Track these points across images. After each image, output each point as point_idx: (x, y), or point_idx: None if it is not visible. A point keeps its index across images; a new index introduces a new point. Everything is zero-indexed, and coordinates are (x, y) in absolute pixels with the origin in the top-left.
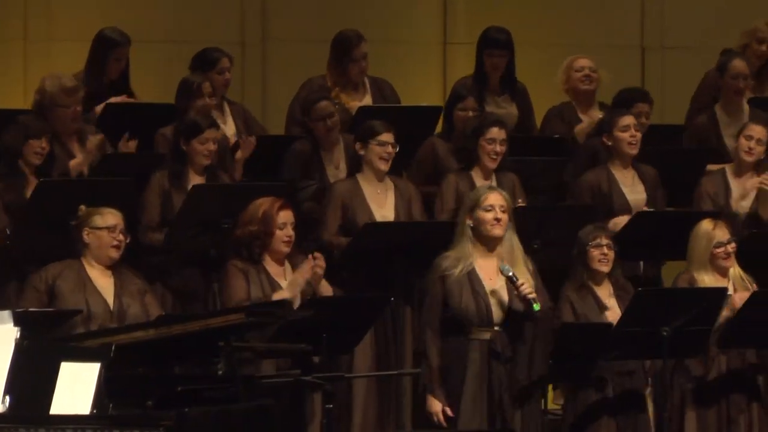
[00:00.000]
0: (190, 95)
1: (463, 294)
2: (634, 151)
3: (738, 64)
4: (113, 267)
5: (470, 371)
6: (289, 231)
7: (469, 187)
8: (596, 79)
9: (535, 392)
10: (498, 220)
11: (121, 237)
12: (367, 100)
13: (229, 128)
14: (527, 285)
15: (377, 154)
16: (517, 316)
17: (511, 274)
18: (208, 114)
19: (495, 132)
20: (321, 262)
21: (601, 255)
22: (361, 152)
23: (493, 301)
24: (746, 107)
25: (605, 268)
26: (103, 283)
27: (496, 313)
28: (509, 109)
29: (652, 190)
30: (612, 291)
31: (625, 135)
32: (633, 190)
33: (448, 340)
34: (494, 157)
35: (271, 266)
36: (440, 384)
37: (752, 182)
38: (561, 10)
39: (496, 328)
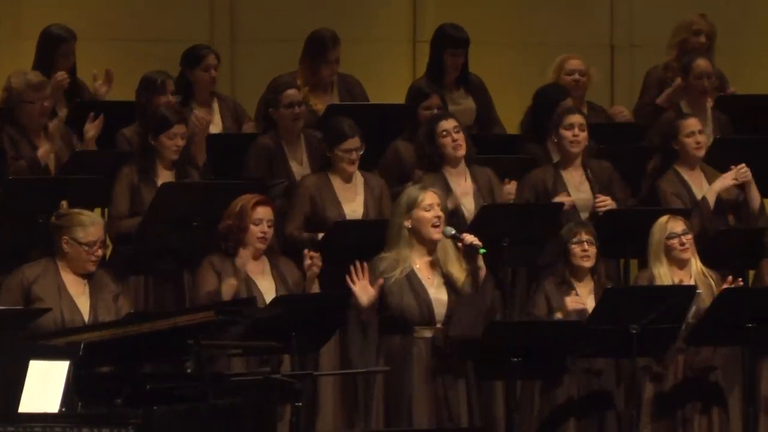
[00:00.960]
0: (153, 91)
1: (404, 295)
2: (576, 150)
3: (702, 63)
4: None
5: (416, 370)
6: (264, 228)
7: (443, 184)
8: (586, 82)
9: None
10: (438, 218)
11: (99, 252)
12: (335, 100)
13: (216, 125)
14: (467, 235)
15: (342, 159)
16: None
17: (453, 232)
18: (178, 110)
19: (444, 124)
20: (318, 261)
21: (582, 251)
22: (328, 154)
23: (433, 300)
24: (709, 108)
25: (588, 263)
26: (78, 290)
27: (438, 311)
28: (465, 104)
29: (602, 188)
30: (593, 289)
31: (568, 133)
32: (578, 189)
33: (392, 340)
34: (456, 145)
35: (248, 263)
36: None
37: (728, 180)
38: (530, 8)
39: (438, 325)
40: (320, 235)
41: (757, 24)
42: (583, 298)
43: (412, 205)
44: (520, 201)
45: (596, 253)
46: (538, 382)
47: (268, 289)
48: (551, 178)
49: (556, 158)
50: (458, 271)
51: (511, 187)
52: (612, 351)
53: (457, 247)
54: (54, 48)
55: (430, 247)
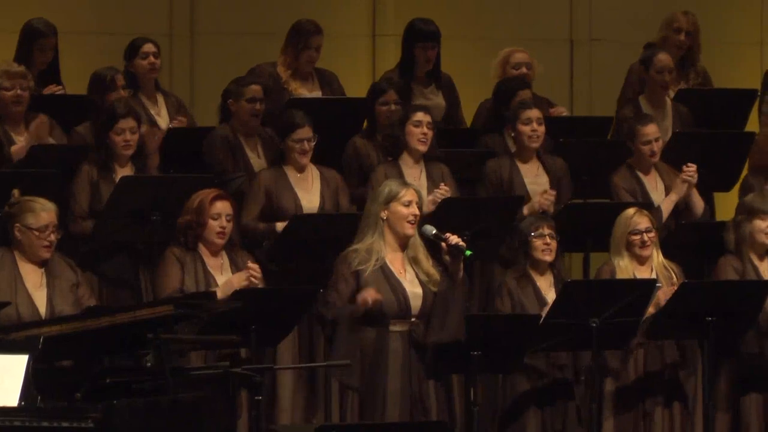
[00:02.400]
0: (103, 88)
1: (379, 288)
2: (535, 145)
3: (662, 58)
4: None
5: (392, 363)
6: (223, 222)
7: (397, 175)
8: (531, 75)
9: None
10: (415, 216)
11: (52, 237)
12: (317, 93)
13: (163, 119)
14: (450, 235)
15: (294, 150)
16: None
17: (435, 231)
18: (126, 105)
19: (420, 116)
20: (257, 273)
21: (544, 245)
22: (281, 147)
23: (409, 293)
24: (669, 101)
25: (549, 257)
26: (35, 281)
27: (414, 305)
28: (436, 101)
29: (556, 182)
30: (553, 282)
31: (527, 128)
32: (534, 181)
33: (366, 333)
34: (423, 139)
35: (207, 257)
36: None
37: (681, 184)
38: (489, 3)
39: (413, 319)
40: (278, 225)
41: (721, 18)
42: (543, 292)
43: (392, 198)
44: (480, 193)
45: (557, 247)
46: (500, 375)
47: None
48: (507, 169)
49: (513, 149)
50: (429, 269)
51: (443, 191)
52: (572, 344)
53: (438, 247)
54: (33, 42)
55: (403, 242)
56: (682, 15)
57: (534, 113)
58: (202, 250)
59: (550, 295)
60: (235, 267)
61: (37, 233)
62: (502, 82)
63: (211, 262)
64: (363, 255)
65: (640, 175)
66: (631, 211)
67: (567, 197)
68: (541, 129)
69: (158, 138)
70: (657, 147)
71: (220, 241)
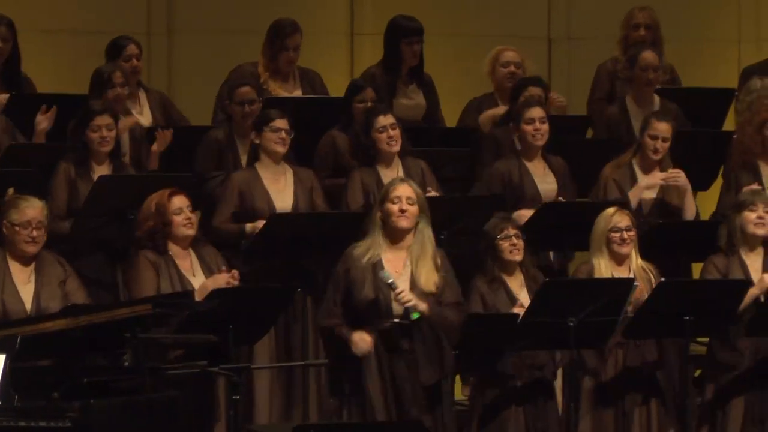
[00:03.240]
0: (103, 85)
1: (365, 285)
2: (540, 143)
3: (647, 56)
4: (35, 256)
5: (371, 362)
6: (187, 213)
7: (375, 180)
8: (521, 74)
9: (446, 388)
10: (403, 211)
11: (35, 234)
12: (298, 93)
13: (146, 117)
14: (406, 293)
15: (271, 140)
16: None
17: (390, 281)
18: (103, 101)
19: (381, 120)
20: (234, 281)
21: (511, 246)
22: (257, 141)
23: (393, 294)
24: (656, 98)
25: (518, 257)
26: (23, 278)
27: (396, 306)
28: (417, 100)
29: (562, 181)
30: (523, 281)
31: (530, 128)
32: (544, 180)
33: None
34: (390, 142)
35: (179, 258)
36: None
37: (657, 178)
38: (468, 0)
39: (395, 320)
40: (247, 226)
41: (699, 15)
42: (515, 292)
43: (384, 198)
44: (486, 193)
45: (524, 246)
46: (479, 375)
47: (198, 283)
48: (516, 170)
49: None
50: (426, 278)
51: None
52: (550, 343)
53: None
54: None
55: (400, 236)
56: (639, 11)
57: (536, 112)
58: (174, 251)
59: (522, 295)
60: (205, 265)
61: (18, 228)
62: (521, 80)
63: (183, 264)
64: (360, 252)
65: (639, 174)
66: (611, 209)
67: (573, 195)
68: (545, 127)
69: (167, 139)
70: (660, 146)
71: (190, 232)
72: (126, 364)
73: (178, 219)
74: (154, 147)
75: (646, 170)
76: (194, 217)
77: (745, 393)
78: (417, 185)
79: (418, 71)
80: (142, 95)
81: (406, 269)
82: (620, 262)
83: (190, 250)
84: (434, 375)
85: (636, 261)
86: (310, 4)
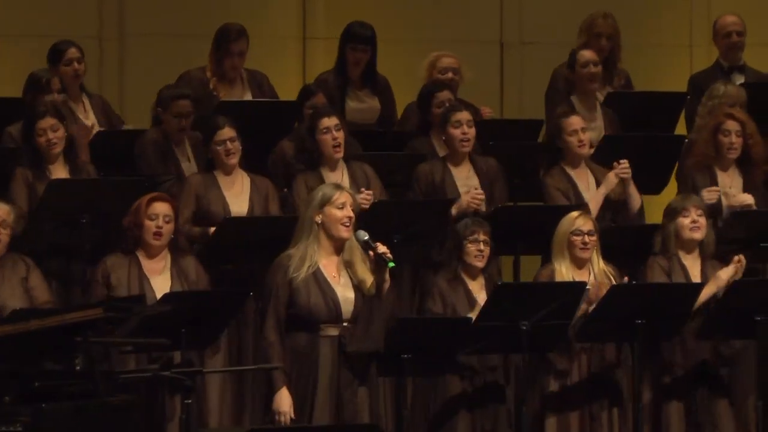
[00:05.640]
0: (38, 89)
1: (311, 293)
2: (467, 148)
3: (585, 53)
4: None
5: (321, 367)
6: (160, 223)
7: (319, 183)
8: (458, 80)
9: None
10: (349, 218)
11: None
12: (247, 95)
13: (90, 121)
14: (384, 246)
15: (219, 153)
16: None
17: (366, 238)
18: (45, 104)
19: (326, 121)
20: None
21: (477, 251)
22: (210, 155)
23: (340, 298)
24: (598, 104)
25: (480, 264)
26: None
27: (346, 310)
28: (370, 103)
29: (488, 183)
30: (484, 284)
31: (457, 131)
32: (466, 183)
33: (297, 338)
34: (335, 145)
35: (145, 260)
36: (287, 384)
37: (612, 179)
38: (420, 5)
39: (344, 324)
40: (212, 229)
41: (651, 20)
42: (474, 294)
43: (326, 201)
44: (411, 197)
45: (489, 254)
46: (430, 378)
47: (162, 287)
48: (440, 173)
49: (441, 152)
50: (364, 274)
51: (366, 195)
52: (502, 347)
53: (366, 254)
54: None
55: (338, 245)
56: (602, 19)
57: (464, 116)
58: (141, 253)
59: (481, 297)
60: (177, 269)
61: None
62: (424, 86)
63: (149, 265)
64: (297, 261)
65: (572, 174)
66: (575, 213)
67: (503, 198)
68: (472, 132)
69: (88, 134)
70: (585, 137)
71: (156, 242)
72: (78, 368)
73: (149, 224)
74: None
75: (576, 167)
76: (166, 229)
77: (685, 394)
78: (354, 188)
79: (370, 75)
80: (86, 100)
81: (343, 274)
82: (581, 266)
83: (167, 254)
84: (368, 346)
85: (598, 264)
86: (262, 8)
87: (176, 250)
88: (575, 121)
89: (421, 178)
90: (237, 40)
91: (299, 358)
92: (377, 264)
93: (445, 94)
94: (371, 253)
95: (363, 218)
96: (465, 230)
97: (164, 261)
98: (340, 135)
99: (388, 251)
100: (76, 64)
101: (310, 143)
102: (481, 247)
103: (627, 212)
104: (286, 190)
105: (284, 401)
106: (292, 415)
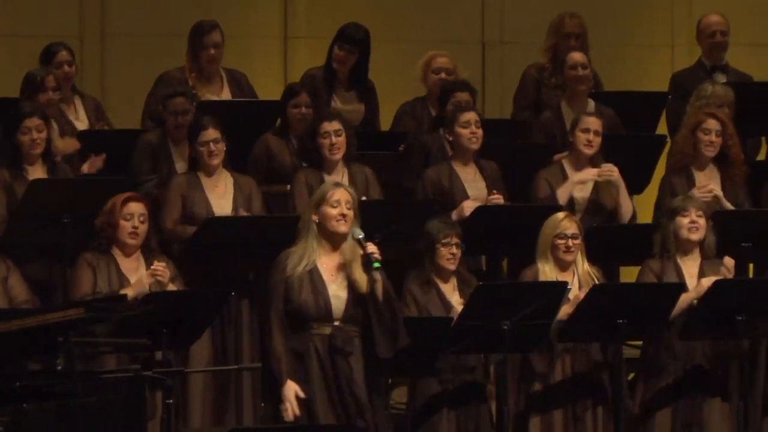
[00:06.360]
0: (34, 89)
1: (303, 290)
2: (475, 147)
3: (574, 55)
4: None
5: (313, 367)
6: (135, 223)
7: (318, 182)
8: (453, 80)
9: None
10: (343, 215)
11: None
12: (226, 93)
13: (82, 122)
14: (374, 247)
15: (202, 154)
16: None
17: (361, 236)
18: (32, 104)
19: (326, 126)
20: (160, 270)
21: (450, 254)
22: (194, 154)
23: (332, 297)
24: (591, 102)
25: (452, 267)
26: None
27: (337, 309)
28: (356, 106)
29: (493, 186)
30: (456, 285)
31: (466, 131)
32: (474, 186)
33: (290, 336)
34: (334, 150)
35: (121, 259)
36: (291, 374)
37: (589, 174)
38: (401, 5)
39: (336, 323)
40: None
41: (633, 19)
42: (447, 296)
43: (321, 201)
44: (421, 198)
45: (460, 257)
46: (412, 378)
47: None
48: (447, 177)
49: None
50: (360, 278)
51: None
52: (483, 347)
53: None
54: None
55: (336, 242)
56: (570, 19)
57: (472, 116)
58: (116, 252)
59: (455, 299)
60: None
61: None
62: (446, 81)
63: (125, 264)
64: (295, 258)
65: (570, 172)
66: (560, 215)
67: (504, 200)
68: (480, 132)
69: (98, 165)
70: (593, 139)
71: (132, 242)
72: (59, 368)
73: (124, 224)
74: (85, 168)
75: (578, 168)
76: (142, 229)
77: (674, 398)
78: (353, 189)
79: (359, 78)
80: (78, 101)
81: (341, 273)
82: (565, 268)
83: (140, 255)
84: (390, 348)
85: (582, 267)
86: (243, 7)
87: (148, 250)
88: (592, 121)
89: (427, 183)
90: (209, 32)
91: (293, 356)
92: (366, 264)
93: (464, 96)
94: (361, 252)
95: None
96: (438, 233)
97: (137, 261)
98: (339, 140)
99: (376, 251)
100: (66, 67)
101: (310, 144)
102: (454, 250)
103: (618, 221)
104: (289, 187)
105: (290, 391)
106: (297, 410)
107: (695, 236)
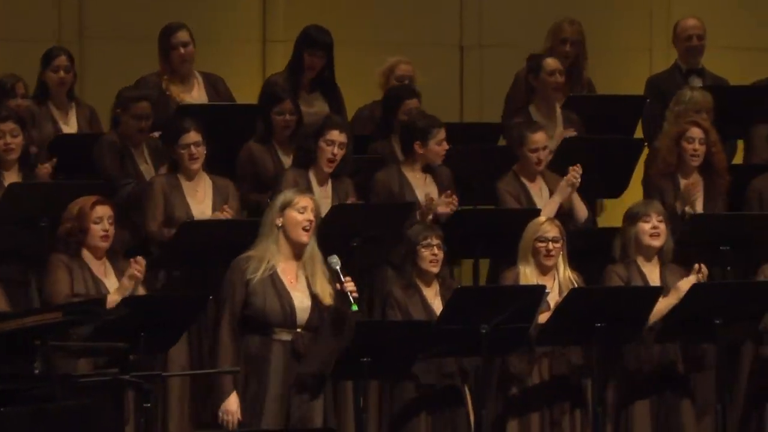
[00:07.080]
0: (3, 94)
1: (266, 296)
2: (438, 161)
3: (550, 62)
4: None
5: (272, 371)
6: (105, 226)
7: (305, 182)
8: (399, 86)
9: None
10: (310, 222)
11: None
12: (201, 96)
13: (71, 128)
14: (351, 284)
15: (183, 157)
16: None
17: (338, 267)
18: (14, 111)
19: (335, 134)
20: (139, 266)
21: (432, 255)
22: (172, 154)
23: (296, 303)
24: (558, 109)
25: (435, 269)
26: None
27: (301, 316)
28: (318, 108)
29: (443, 191)
30: (438, 290)
31: (440, 149)
32: (424, 190)
33: (250, 340)
34: (331, 159)
35: (92, 262)
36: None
37: (566, 190)
38: (380, 8)
39: (298, 329)
40: None
41: (610, 23)
42: (429, 301)
43: (287, 204)
44: (397, 201)
45: (443, 258)
46: (390, 381)
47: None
48: (396, 180)
49: (401, 156)
50: (322, 290)
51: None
52: (462, 350)
53: (334, 282)
54: None
55: (297, 249)
56: (568, 25)
57: (442, 133)
58: (86, 256)
59: (436, 304)
60: (119, 273)
61: None
62: (392, 88)
63: (95, 267)
64: (255, 263)
65: (525, 181)
66: (541, 218)
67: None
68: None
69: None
70: (543, 156)
71: (104, 245)
72: (36, 371)
73: (95, 228)
74: (37, 173)
75: (532, 179)
76: (111, 231)
77: (649, 397)
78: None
79: (323, 80)
80: (72, 107)
81: (300, 281)
82: (545, 272)
83: (105, 258)
84: (320, 367)
85: (563, 271)
86: (222, 11)
87: (112, 253)
88: (539, 139)
89: (378, 185)
90: (176, 32)
91: (251, 361)
92: (341, 299)
93: (413, 103)
94: (338, 285)
95: (327, 222)
96: (418, 236)
97: (104, 264)
98: (339, 153)
99: (355, 290)
100: (62, 72)
101: (311, 144)
102: (435, 251)
103: (573, 223)
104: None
105: (234, 405)
106: (239, 417)
107: (657, 242)
